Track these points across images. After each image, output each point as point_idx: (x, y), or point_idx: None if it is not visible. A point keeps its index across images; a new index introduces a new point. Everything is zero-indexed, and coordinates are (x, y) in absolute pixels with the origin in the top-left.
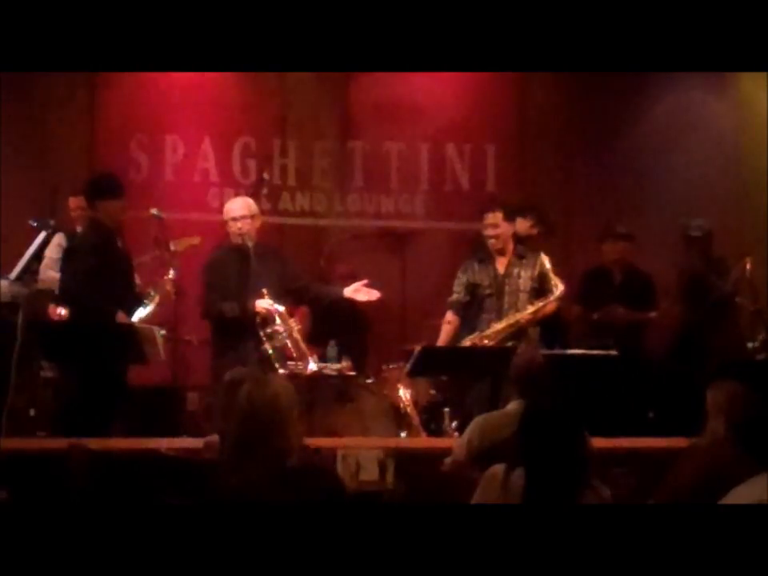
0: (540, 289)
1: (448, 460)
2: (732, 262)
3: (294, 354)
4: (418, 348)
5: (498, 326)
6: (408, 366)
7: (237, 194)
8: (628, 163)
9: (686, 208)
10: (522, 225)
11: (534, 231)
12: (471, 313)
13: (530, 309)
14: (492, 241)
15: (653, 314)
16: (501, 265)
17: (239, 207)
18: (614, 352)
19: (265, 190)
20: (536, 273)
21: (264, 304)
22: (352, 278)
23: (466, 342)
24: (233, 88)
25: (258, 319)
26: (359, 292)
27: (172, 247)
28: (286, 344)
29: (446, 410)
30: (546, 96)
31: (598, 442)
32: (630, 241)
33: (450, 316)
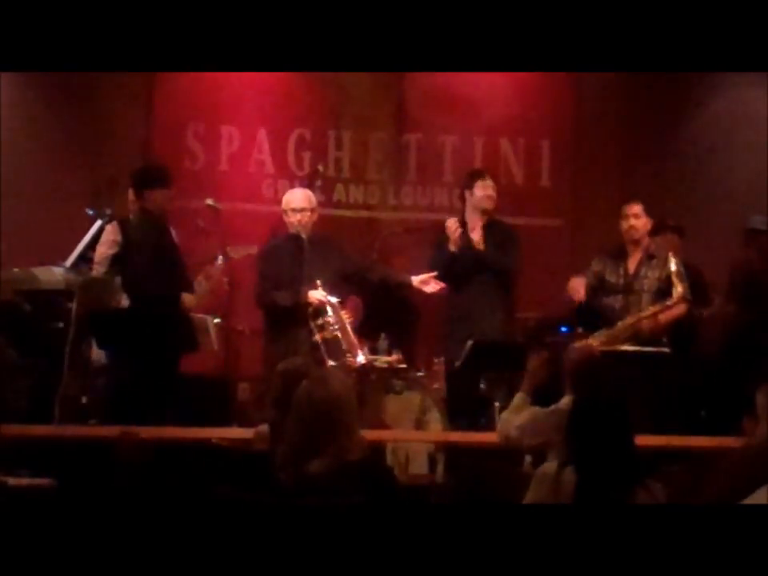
0: (667, 291)
1: (502, 436)
2: None
3: (344, 346)
4: (469, 343)
5: (621, 324)
6: (459, 361)
7: (291, 186)
8: (683, 159)
9: (742, 205)
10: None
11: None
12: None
13: (651, 309)
14: (632, 231)
15: (706, 312)
16: (632, 263)
17: (300, 199)
18: (666, 349)
19: (319, 182)
20: (664, 274)
21: (317, 295)
22: (405, 271)
23: (592, 342)
24: (288, 80)
25: (309, 309)
26: (427, 284)
27: (230, 254)
28: (337, 336)
29: (497, 404)
30: (601, 92)
31: (651, 440)
32: (680, 234)
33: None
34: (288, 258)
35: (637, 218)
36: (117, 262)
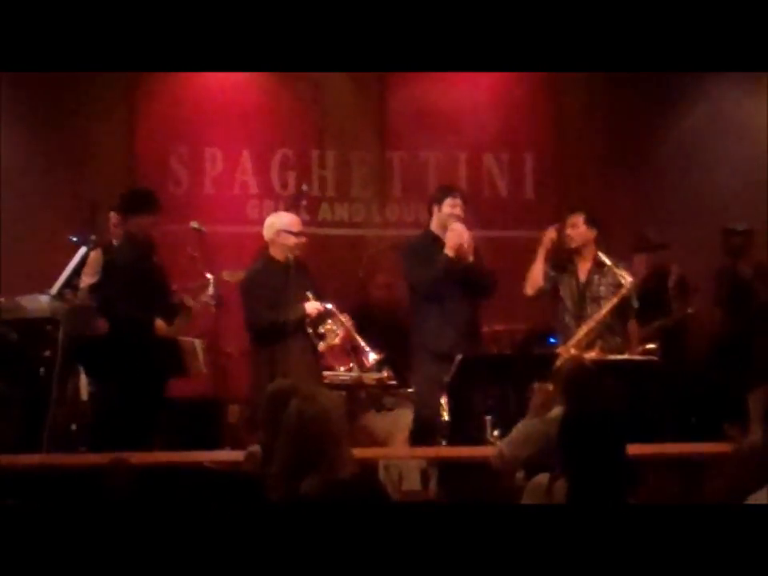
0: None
1: (496, 458)
2: None
3: (349, 348)
4: (458, 358)
5: (581, 332)
6: (448, 376)
7: (276, 206)
8: (665, 169)
9: (723, 213)
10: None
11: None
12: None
13: (605, 308)
14: (567, 240)
15: (690, 310)
16: (582, 273)
17: (297, 222)
18: (655, 358)
19: (304, 202)
20: (616, 280)
21: (315, 305)
22: (391, 288)
23: (556, 352)
24: (270, 100)
25: (307, 321)
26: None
27: (225, 278)
28: (340, 342)
29: (488, 417)
30: (583, 105)
31: (643, 449)
32: (664, 249)
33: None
34: (276, 280)
35: (574, 228)
36: (96, 288)
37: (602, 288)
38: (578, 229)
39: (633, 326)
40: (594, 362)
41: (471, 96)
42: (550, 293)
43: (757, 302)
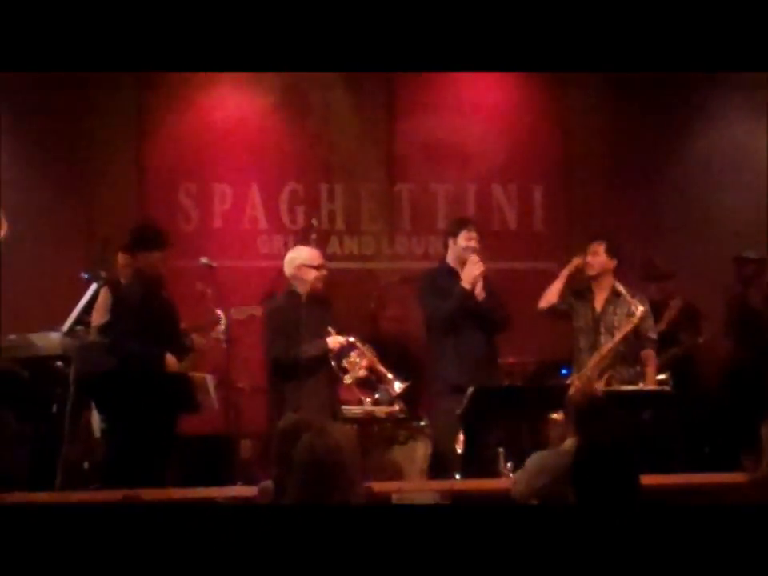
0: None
1: (514, 491)
2: None
3: (374, 379)
4: (469, 390)
5: (590, 363)
6: (461, 408)
7: (286, 241)
8: (675, 197)
9: (734, 241)
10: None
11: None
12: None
13: (617, 337)
14: (587, 267)
15: (700, 340)
16: (599, 303)
17: (317, 256)
18: (667, 388)
19: (314, 236)
20: (631, 310)
21: (339, 339)
22: (401, 321)
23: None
24: (278, 135)
25: (330, 355)
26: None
27: (234, 315)
28: (366, 374)
29: (501, 450)
30: (591, 134)
31: (656, 479)
32: (671, 278)
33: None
34: (296, 314)
35: (594, 256)
36: (106, 327)
37: (616, 318)
38: (599, 257)
39: (650, 356)
40: (605, 392)
41: (478, 127)
42: (561, 314)
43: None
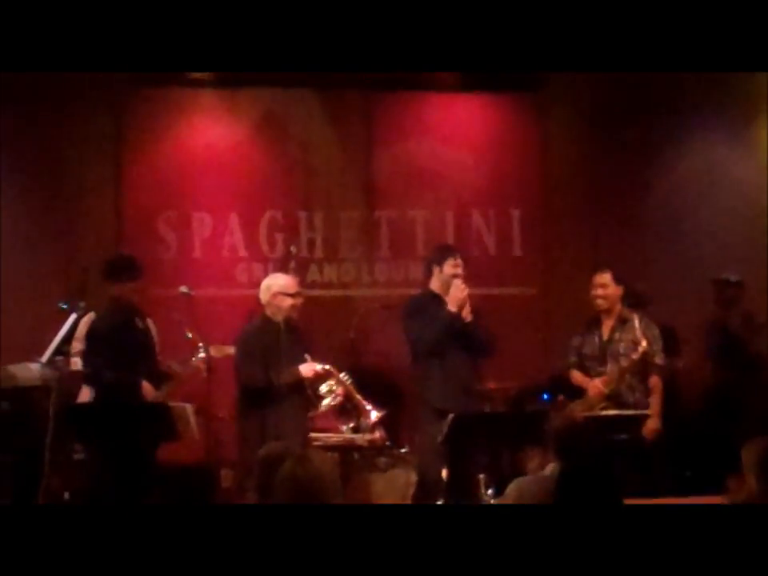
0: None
1: None
2: (763, 319)
3: (349, 407)
4: (450, 416)
5: (590, 391)
6: (441, 435)
7: (266, 269)
8: (653, 222)
9: (713, 264)
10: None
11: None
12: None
13: (623, 364)
14: (599, 301)
15: (680, 364)
16: (606, 330)
17: (293, 284)
18: (647, 412)
19: (293, 263)
20: (637, 336)
21: (315, 367)
22: (381, 348)
23: (575, 410)
24: (257, 162)
25: (306, 383)
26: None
27: (212, 353)
28: (342, 401)
29: (482, 476)
30: (569, 159)
31: (638, 503)
32: (648, 305)
33: (578, 375)
34: (270, 340)
35: (605, 288)
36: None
37: (622, 345)
38: (608, 289)
39: (657, 384)
40: (585, 418)
41: (456, 153)
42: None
43: (747, 354)
